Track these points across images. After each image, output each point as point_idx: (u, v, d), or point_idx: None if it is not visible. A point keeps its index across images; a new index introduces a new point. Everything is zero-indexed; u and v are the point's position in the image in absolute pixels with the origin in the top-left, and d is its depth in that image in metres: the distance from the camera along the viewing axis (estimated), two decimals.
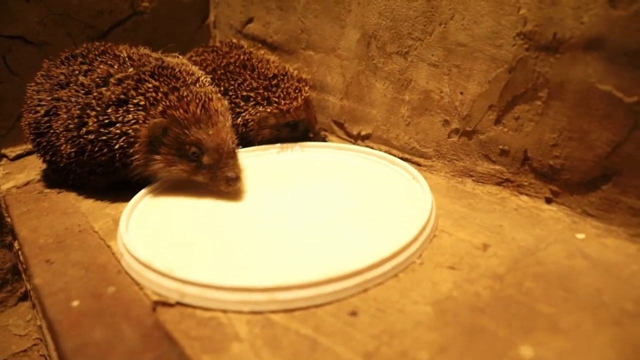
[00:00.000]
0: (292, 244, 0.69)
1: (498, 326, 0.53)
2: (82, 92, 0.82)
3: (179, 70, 0.83)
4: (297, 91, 0.94)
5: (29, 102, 0.92)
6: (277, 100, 0.93)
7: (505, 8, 0.72)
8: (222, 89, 0.96)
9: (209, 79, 0.87)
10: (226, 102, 0.84)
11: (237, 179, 0.79)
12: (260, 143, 0.99)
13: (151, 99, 0.77)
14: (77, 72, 0.86)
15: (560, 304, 0.56)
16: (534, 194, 0.76)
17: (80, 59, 0.89)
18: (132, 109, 0.78)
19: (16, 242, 0.98)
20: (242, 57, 0.99)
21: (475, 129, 0.81)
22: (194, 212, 0.79)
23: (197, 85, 0.81)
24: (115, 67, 0.83)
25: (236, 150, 0.82)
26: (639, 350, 0.48)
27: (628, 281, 0.58)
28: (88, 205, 0.88)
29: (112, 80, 0.81)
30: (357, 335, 0.53)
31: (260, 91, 0.94)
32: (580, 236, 0.68)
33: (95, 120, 0.79)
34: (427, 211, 0.70)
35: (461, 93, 0.81)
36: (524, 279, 0.60)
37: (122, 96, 0.79)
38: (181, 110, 0.76)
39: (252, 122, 0.95)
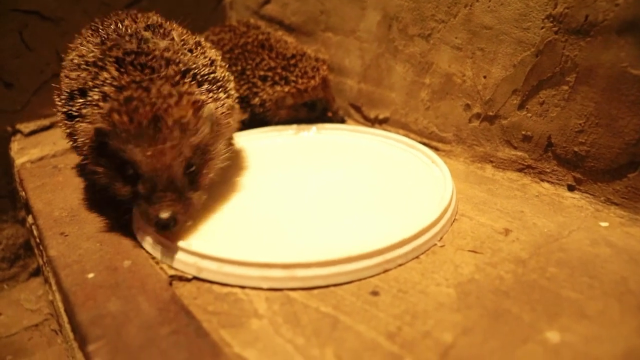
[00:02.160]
0: (311, 223, 0.68)
1: (522, 310, 0.52)
2: (74, 73, 0.70)
3: (160, 57, 0.66)
4: (314, 70, 0.93)
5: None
6: (294, 79, 0.92)
7: None
8: (239, 68, 0.95)
9: (206, 70, 0.70)
10: (208, 110, 0.64)
11: (166, 224, 0.59)
12: (277, 124, 0.98)
13: (103, 94, 0.62)
14: (81, 47, 0.74)
15: (585, 290, 0.55)
16: (556, 181, 0.75)
17: (91, 31, 0.76)
18: (88, 104, 0.64)
19: (30, 216, 0.98)
20: (260, 37, 0.97)
21: (498, 113, 0.79)
22: (211, 187, 0.79)
23: (175, 80, 0.63)
24: (97, 46, 0.69)
25: (184, 184, 0.62)
26: None
27: None
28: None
29: (84, 61, 0.68)
30: (378, 314, 0.52)
31: (279, 71, 0.93)
32: (604, 224, 0.67)
33: (60, 108, 0.69)
34: (448, 194, 0.69)
35: (484, 77, 0.79)
36: (548, 265, 0.59)
37: (83, 84, 0.66)
38: (124, 117, 0.58)
39: (269, 102, 0.94)
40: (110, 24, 0.75)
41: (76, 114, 0.66)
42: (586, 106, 0.68)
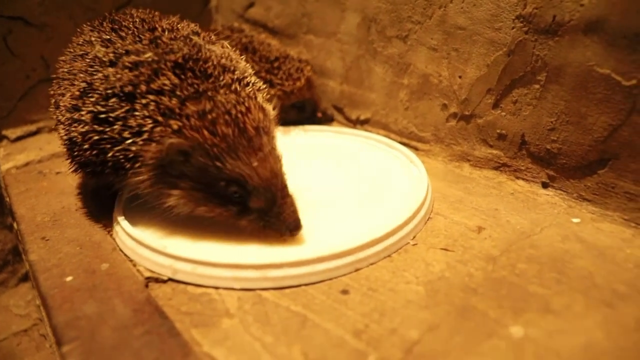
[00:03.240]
0: None
1: (489, 306, 0.53)
2: (93, 67, 0.64)
3: (216, 64, 0.61)
4: (299, 72, 0.94)
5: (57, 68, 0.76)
6: (279, 82, 0.93)
7: None
8: None
9: (254, 78, 0.67)
10: (270, 107, 0.64)
11: (299, 225, 0.61)
12: None
13: (164, 105, 0.57)
14: (99, 40, 0.67)
15: (552, 286, 0.55)
16: (531, 178, 0.76)
17: (110, 25, 0.70)
18: (138, 111, 0.58)
19: (15, 222, 0.99)
20: (243, 40, 0.99)
21: (474, 113, 0.80)
22: None
23: (232, 88, 0.60)
24: (137, 44, 0.63)
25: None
26: (628, 330, 0.48)
27: (621, 264, 0.58)
28: (86, 185, 0.88)
29: (124, 60, 0.61)
30: (347, 313, 0.53)
31: (262, 74, 0.94)
32: (576, 220, 0.68)
33: (90, 108, 0.61)
34: (422, 193, 0.70)
35: (460, 77, 0.80)
36: (518, 261, 0.60)
37: (129, 87, 0.59)
38: (206, 132, 0.55)
39: None
40: (132, 21, 0.70)
41: (113, 118, 0.59)
42: (557, 104, 0.69)
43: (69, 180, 0.92)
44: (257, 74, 0.94)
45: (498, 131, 0.78)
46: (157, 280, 0.60)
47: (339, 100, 1.05)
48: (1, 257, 1.18)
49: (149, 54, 0.61)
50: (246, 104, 0.58)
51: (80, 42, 0.71)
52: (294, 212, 0.61)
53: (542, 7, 0.67)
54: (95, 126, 0.60)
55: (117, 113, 0.59)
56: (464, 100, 0.81)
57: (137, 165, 0.59)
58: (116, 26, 0.69)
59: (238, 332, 0.51)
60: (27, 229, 0.75)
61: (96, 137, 0.61)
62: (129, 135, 0.58)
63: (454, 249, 0.63)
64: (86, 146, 0.62)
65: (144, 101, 0.58)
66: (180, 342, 0.50)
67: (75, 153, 0.65)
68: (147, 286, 0.59)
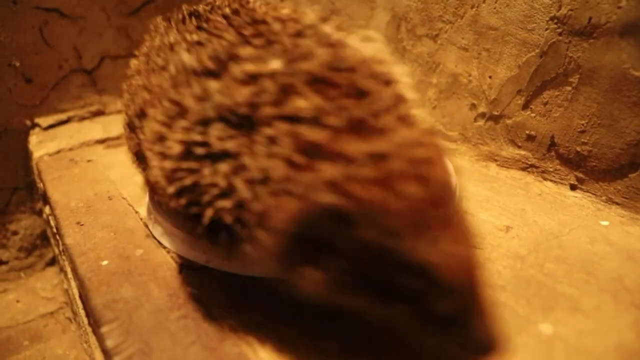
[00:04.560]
0: None
1: (518, 304, 0.54)
2: (181, 79, 0.46)
3: (368, 74, 0.41)
4: None
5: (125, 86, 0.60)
6: None
7: None
8: None
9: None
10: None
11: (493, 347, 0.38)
12: None
13: (305, 142, 0.37)
14: (182, 43, 0.50)
15: (581, 286, 0.56)
16: (559, 180, 0.76)
17: (195, 21, 0.54)
18: (261, 148, 0.39)
19: (47, 206, 1.01)
20: None
21: (503, 113, 0.81)
22: None
23: (400, 113, 0.40)
24: (246, 47, 0.44)
25: None
26: None
27: None
28: (117, 173, 0.91)
29: (232, 70, 0.43)
30: None
31: None
32: (604, 223, 0.68)
33: (180, 137, 0.43)
34: None
35: (490, 77, 0.81)
36: (545, 261, 0.60)
37: (244, 109, 0.40)
38: (379, 189, 0.34)
39: None
40: (222, 13, 0.53)
41: (219, 152, 0.41)
42: (589, 107, 0.69)
43: (100, 168, 0.94)
44: None
45: (527, 132, 0.78)
46: (191, 267, 0.62)
47: None
48: (30, 242, 1.22)
49: (276, 63, 0.41)
50: (422, 143, 0.37)
51: (158, 45, 0.55)
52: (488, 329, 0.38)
53: (578, 8, 0.67)
54: (189, 162, 0.42)
55: (227, 145, 0.40)
56: (493, 100, 0.81)
57: (255, 229, 0.39)
58: (202, 22, 0.52)
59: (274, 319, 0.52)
60: (62, 214, 0.78)
61: (188, 182, 0.43)
62: (243, 184, 0.39)
63: (482, 247, 0.64)
64: (171, 190, 0.44)
65: (269, 132, 0.38)
66: (216, 327, 0.51)
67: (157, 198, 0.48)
68: (180, 272, 0.61)
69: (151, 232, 0.69)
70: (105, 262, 0.63)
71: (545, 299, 0.54)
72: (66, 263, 0.85)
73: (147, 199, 0.74)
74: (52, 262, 1.25)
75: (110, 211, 0.77)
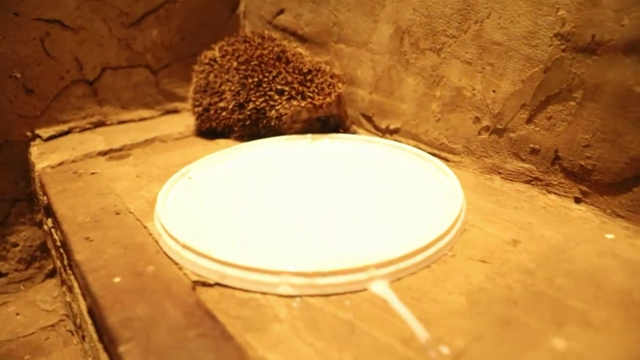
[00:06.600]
0: (326, 231, 0.71)
1: (530, 318, 0.55)
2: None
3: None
4: (330, 87, 0.96)
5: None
6: (311, 95, 0.94)
7: (544, 9, 0.72)
8: (256, 80, 0.98)
9: None
10: None
11: None
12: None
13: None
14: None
15: (591, 301, 0.57)
16: (563, 193, 0.77)
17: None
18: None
19: (49, 219, 1.01)
20: (275, 49, 1.00)
21: (507, 127, 0.82)
22: (228, 194, 0.82)
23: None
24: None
25: None
26: None
27: None
28: (122, 186, 0.91)
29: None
30: (393, 321, 0.54)
31: (295, 85, 0.95)
32: (610, 236, 0.69)
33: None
34: (458, 204, 0.71)
35: (494, 91, 0.82)
36: (555, 275, 0.62)
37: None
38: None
39: (285, 116, 0.96)
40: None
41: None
42: (592, 122, 0.71)
43: (105, 181, 0.94)
44: (289, 84, 0.96)
45: (531, 146, 0.79)
46: (204, 284, 0.62)
47: (368, 109, 1.07)
48: (29, 253, 1.21)
49: None
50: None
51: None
52: None
53: (582, 26, 0.69)
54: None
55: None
56: (497, 114, 0.83)
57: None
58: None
59: (290, 337, 0.52)
60: (70, 229, 0.77)
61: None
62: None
63: (492, 261, 0.65)
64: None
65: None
66: (235, 346, 0.51)
67: None
68: (194, 289, 0.61)
69: (161, 248, 0.69)
70: (117, 279, 0.63)
71: (556, 313, 0.55)
72: (72, 277, 0.85)
73: (156, 213, 0.74)
74: (52, 274, 1.24)
75: (119, 226, 0.77)
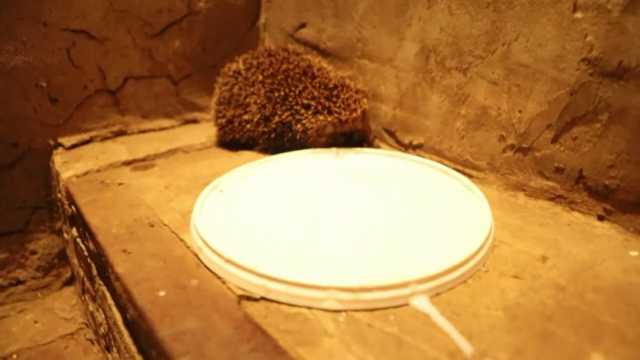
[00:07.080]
0: (364, 246, 0.73)
1: (567, 333, 0.57)
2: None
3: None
4: (356, 103, 0.98)
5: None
6: (337, 110, 0.97)
7: (572, 34, 0.75)
8: (282, 94, 1.00)
9: None
10: None
11: None
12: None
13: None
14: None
15: (622, 316, 0.60)
16: (587, 211, 0.80)
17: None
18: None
19: (73, 228, 1.02)
20: (301, 64, 1.03)
21: (531, 146, 0.85)
22: (262, 207, 0.84)
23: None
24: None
25: None
26: None
27: None
28: (152, 197, 0.92)
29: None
30: (437, 335, 0.57)
31: (322, 100, 0.97)
32: (634, 254, 0.72)
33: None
34: (488, 220, 0.74)
35: (519, 111, 0.85)
36: (585, 291, 0.64)
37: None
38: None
39: (311, 130, 0.99)
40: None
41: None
42: (618, 143, 0.74)
43: (134, 192, 0.95)
44: (315, 99, 0.98)
45: (555, 164, 0.82)
46: (250, 298, 0.64)
47: (391, 124, 1.09)
48: (47, 261, 1.21)
49: None
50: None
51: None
52: None
53: (609, 52, 0.72)
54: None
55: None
56: (522, 133, 0.85)
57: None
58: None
59: (341, 351, 0.54)
60: (105, 240, 0.79)
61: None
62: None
63: (524, 277, 0.67)
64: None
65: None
66: None
67: None
68: (239, 303, 0.63)
69: (202, 261, 0.71)
70: (162, 293, 0.65)
71: (591, 328, 0.58)
72: (102, 288, 0.86)
73: (194, 225, 0.75)
74: (69, 281, 1.24)
75: (155, 239, 0.78)
